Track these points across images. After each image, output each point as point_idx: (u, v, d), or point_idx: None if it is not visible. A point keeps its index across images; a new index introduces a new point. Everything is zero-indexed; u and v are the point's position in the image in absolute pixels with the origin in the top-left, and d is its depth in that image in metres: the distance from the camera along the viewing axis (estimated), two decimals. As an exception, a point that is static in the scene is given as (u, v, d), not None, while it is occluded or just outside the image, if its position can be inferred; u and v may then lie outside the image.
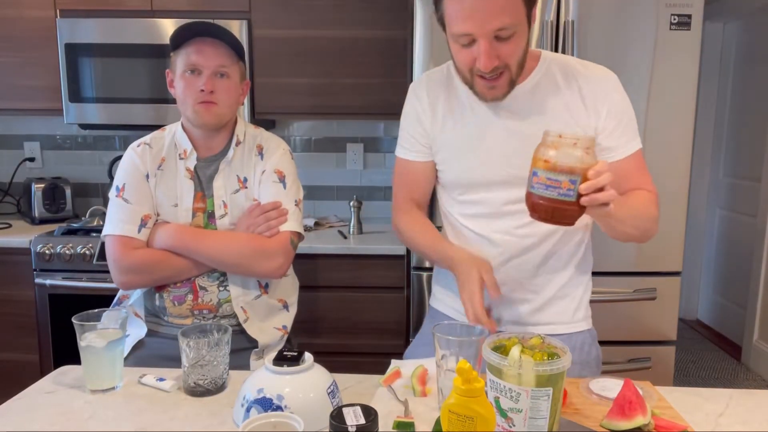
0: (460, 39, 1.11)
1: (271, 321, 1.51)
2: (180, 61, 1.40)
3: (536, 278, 1.28)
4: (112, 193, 1.44)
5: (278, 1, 2.36)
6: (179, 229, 1.42)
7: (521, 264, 1.27)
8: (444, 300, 1.42)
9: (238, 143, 1.48)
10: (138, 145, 1.47)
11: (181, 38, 1.39)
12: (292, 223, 1.45)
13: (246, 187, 1.46)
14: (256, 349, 1.46)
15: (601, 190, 0.95)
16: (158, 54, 2.35)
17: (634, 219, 1.17)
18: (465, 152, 1.27)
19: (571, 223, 0.98)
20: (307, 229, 2.50)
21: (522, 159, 1.16)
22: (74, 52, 2.35)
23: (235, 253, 1.39)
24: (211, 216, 1.45)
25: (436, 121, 1.30)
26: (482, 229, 1.28)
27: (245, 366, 1.41)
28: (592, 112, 1.21)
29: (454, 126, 1.28)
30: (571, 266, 1.31)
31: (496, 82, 1.14)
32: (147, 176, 1.44)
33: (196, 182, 1.45)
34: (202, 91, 1.37)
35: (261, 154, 1.49)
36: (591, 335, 1.35)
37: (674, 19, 2.00)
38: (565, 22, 2.00)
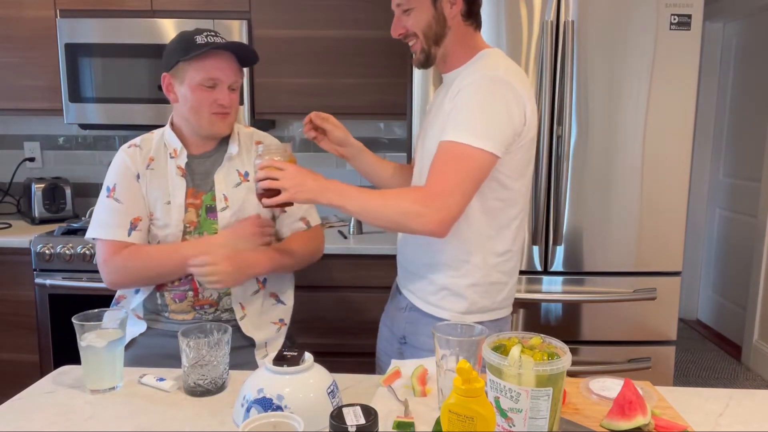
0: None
1: (267, 316, 1.52)
2: (195, 72, 1.38)
3: (409, 246, 1.40)
4: (102, 194, 1.45)
5: (278, 1, 2.36)
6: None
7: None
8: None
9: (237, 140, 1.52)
10: (129, 147, 1.49)
11: (196, 47, 1.36)
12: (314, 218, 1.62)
13: (248, 181, 1.49)
14: (257, 347, 1.48)
15: (276, 190, 1.24)
16: (158, 54, 2.31)
17: (373, 212, 1.24)
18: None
19: (264, 206, 1.27)
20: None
21: (423, 140, 1.35)
22: (74, 52, 2.35)
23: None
24: (210, 210, 1.46)
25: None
26: None
27: (243, 364, 1.41)
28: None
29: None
30: (437, 253, 1.33)
31: (413, 48, 1.33)
32: (138, 176, 1.46)
33: (188, 179, 1.47)
34: (220, 104, 1.41)
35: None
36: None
37: (674, 19, 2.00)
38: (565, 22, 2.00)
